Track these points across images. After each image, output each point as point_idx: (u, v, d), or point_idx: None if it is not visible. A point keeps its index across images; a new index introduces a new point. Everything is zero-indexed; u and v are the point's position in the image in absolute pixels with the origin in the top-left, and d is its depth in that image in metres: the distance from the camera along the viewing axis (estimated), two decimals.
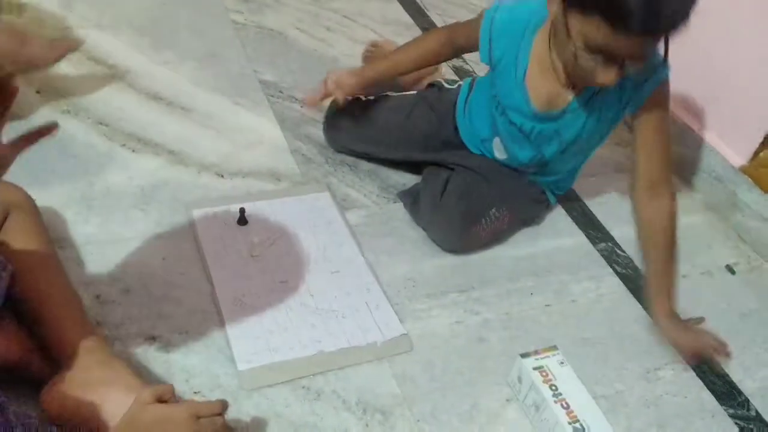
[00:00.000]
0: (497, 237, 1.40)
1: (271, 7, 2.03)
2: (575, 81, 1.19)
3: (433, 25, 2.13)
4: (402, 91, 1.59)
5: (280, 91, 1.70)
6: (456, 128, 1.46)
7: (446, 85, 1.53)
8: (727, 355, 1.24)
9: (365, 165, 1.53)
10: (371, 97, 1.52)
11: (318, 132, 1.59)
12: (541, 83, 1.23)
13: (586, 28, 1.03)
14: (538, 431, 1.09)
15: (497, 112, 1.32)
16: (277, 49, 1.85)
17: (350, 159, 1.54)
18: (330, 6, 2.10)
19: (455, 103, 1.47)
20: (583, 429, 1.03)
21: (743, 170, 1.56)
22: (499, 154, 1.40)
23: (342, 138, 1.54)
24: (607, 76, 1.07)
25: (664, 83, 1.20)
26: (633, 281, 1.39)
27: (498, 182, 1.39)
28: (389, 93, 1.56)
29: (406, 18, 2.15)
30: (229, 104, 1.62)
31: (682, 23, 0.99)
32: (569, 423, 1.04)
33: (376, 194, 1.47)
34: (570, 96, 1.23)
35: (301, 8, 2.06)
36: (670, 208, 1.22)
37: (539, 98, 1.24)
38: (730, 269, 1.48)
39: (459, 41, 1.34)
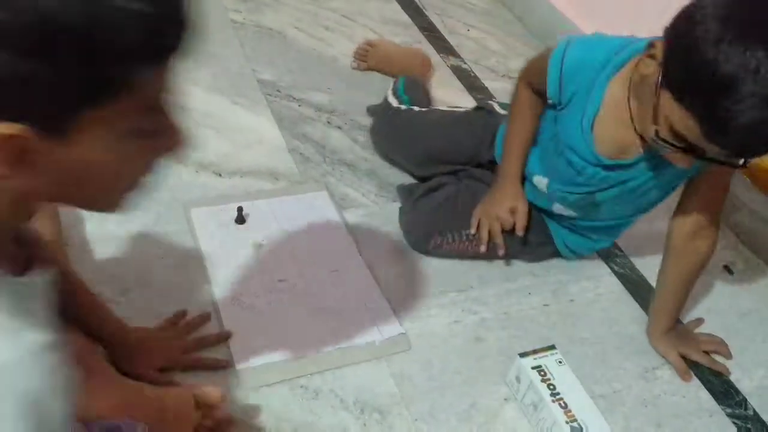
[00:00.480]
0: (465, 256, 1.34)
1: (270, 6, 2.03)
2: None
3: (431, 24, 2.13)
4: (430, 104, 1.61)
5: (278, 91, 1.70)
6: (493, 151, 1.40)
7: (498, 110, 1.46)
8: (726, 371, 1.26)
9: (363, 164, 1.53)
10: (416, 108, 1.54)
11: (316, 131, 1.59)
12: (613, 131, 1.12)
13: (677, 116, 0.93)
14: (536, 430, 1.09)
15: (555, 152, 1.21)
16: (275, 49, 1.85)
17: (348, 159, 1.54)
18: (329, 5, 2.10)
19: (499, 126, 1.38)
20: (581, 428, 1.03)
21: (742, 171, 1.56)
22: (539, 185, 1.29)
23: (383, 145, 1.55)
24: (682, 160, 1.00)
25: None
26: (631, 281, 1.39)
27: None
28: (435, 107, 1.57)
29: (405, 18, 2.15)
30: (227, 103, 1.62)
31: None
32: (567, 422, 1.04)
33: (374, 194, 1.47)
34: (643, 146, 1.11)
35: (300, 7, 2.06)
36: (707, 250, 1.19)
37: (608, 145, 1.13)
38: (728, 269, 1.48)
39: (541, 89, 1.20)
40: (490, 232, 1.30)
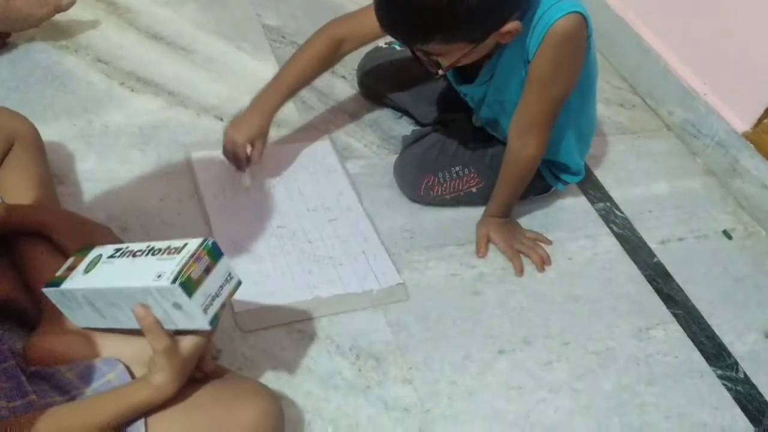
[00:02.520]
0: (459, 198, 1.35)
1: None
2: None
3: None
4: None
5: (283, 37, 1.67)
6: None
7: None
8: (519, 271, 1.28)
9: (367, 115, 1.52)
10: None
11: (319, 80, 1.56)
12: None
13: None
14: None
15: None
16: None
17: (352, 108, 1.52)
18: None
19: None
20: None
21: (746, 136, 1.55)
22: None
23: (372, 79, 1.52)
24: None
25: (555, 30, 1.07)
26: (629, 242, 1.40)
27: (481, 149, 1.36)
28: None
29: None
30: (230, 47, 1.60)
31: None
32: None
33: (377, 145, 1.46)
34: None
35: None
36: (528, 155, 1.21)
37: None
38: (727, 234, 1.49)
39: None
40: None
